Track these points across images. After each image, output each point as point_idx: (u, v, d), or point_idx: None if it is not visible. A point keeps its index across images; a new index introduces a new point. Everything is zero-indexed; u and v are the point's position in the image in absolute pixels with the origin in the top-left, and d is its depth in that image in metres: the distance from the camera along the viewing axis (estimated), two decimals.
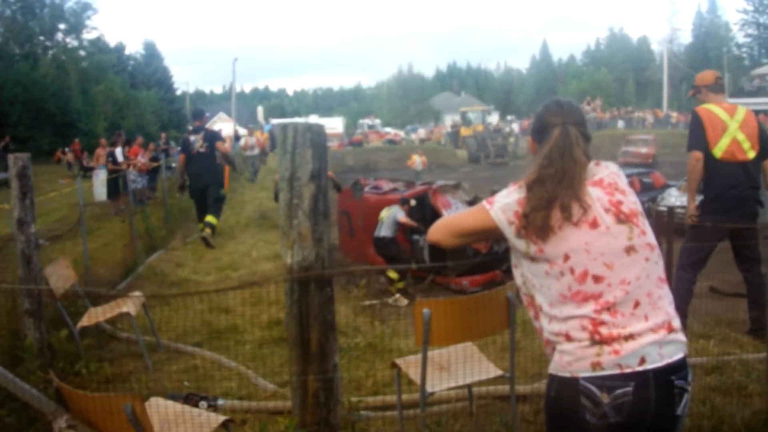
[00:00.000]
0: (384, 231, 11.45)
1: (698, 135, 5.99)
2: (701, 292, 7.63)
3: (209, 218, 12.57)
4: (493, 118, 65.98)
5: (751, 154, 5.92)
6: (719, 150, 5.88)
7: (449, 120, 68.39)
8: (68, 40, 47.40)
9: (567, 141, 2.45)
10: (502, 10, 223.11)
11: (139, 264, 10.59)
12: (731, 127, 5.89)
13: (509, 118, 76.23)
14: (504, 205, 2.45)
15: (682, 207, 7.02)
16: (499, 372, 4.24)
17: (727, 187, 5.93)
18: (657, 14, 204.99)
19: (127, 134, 21.70)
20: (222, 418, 3.69)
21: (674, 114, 61.37)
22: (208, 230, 12.45)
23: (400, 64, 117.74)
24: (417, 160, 19.75)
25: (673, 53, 79.38)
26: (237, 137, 27.03)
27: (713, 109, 6.01)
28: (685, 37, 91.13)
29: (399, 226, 11.57)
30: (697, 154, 5.97)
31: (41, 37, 45.14)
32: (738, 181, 5.92)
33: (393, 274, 11.08)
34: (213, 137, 12.81)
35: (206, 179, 12.54)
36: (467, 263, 11.15)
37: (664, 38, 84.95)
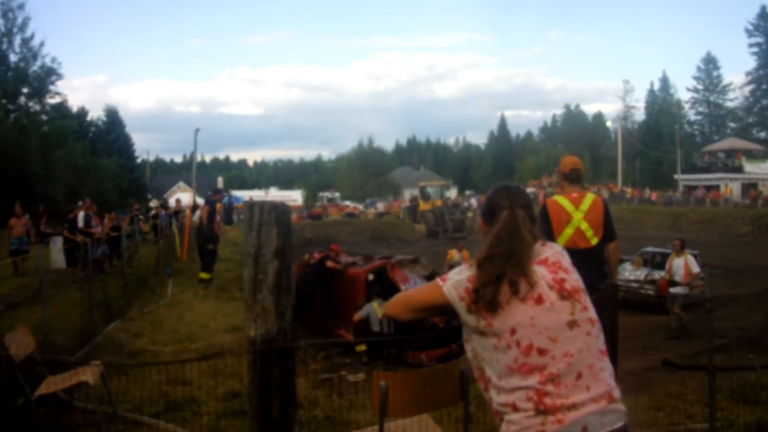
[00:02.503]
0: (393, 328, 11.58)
1: (543, 226, 6.28)
2: (655, 365, 7.82)
3: (201, 275, 17.18)
4: (452, 193, 66.73)
5: (594, 241, 6.21)
6: (562, 239, 6.16)
7: (408, 194, 68.92)
8: (31, 104, 47.23)
9: (515, 222, 2.64)
10: (460, 87, 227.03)
11: (96, 333, 10.50)
12: (575, 218, 6.20)
13: (467, 192, 77.05)
14: (456, 282, 2.61)
15: (636, 281, 7.27)
16: None
17: None
18: (611, 92, 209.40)
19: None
20: None
21: (629, 189, 62.56)
22: (202, 284, 16.83)
23: (361, 138, 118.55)
24: (456, 256, 19.16)
25: (627, 130, 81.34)
26: (195, 208, 27.04)
27: (559, 200, 6.32)
28: (639, 115, 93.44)
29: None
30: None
31: (3, 100, 44.87)
32: (579, 267, 6.17)
33: (362, 347, 11.36)
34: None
35: (199, 238, 17.82)
36: (424, 337, 11.24)
37: (619, 116, 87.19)
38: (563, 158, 6.78)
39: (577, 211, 6.23)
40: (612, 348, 4.22)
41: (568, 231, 6.19)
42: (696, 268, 14.30)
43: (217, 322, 12.06)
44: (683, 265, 14.25)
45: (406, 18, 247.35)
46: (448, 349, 11.07)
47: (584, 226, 6.20)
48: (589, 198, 6.34)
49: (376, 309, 11.58)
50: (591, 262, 6.16)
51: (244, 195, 51.61)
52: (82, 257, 16.04)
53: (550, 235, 6.20)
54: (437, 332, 11.17)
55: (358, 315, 11.72)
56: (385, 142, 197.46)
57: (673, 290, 14.11)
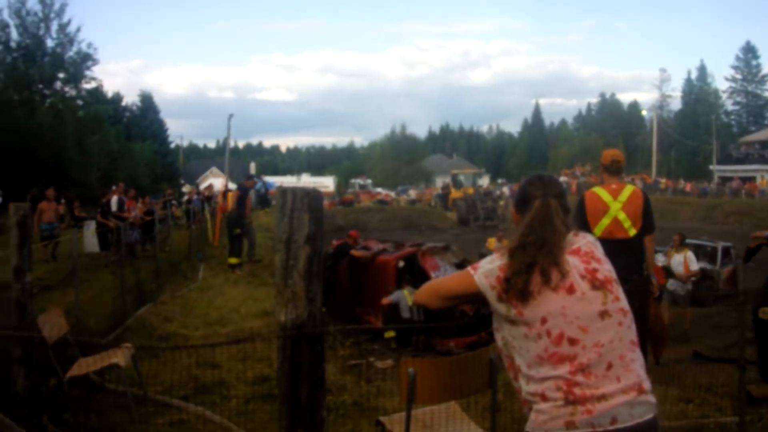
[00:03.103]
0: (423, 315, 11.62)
1: (579, 217, 6.33)
2: (685, 356, 7.76)
3: (229, 260, 17.39)
4: (484, 181, 66.52)
5: (632, 232, 6.25)
6: (599, 229, 6.21)
7: (440, 182, 68.74)
8: (67, 89, 47.55)
9: (547, 212, 2.62)
10: (495, 74, 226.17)
11: (128, 316, 10.61)
12: (613, 208, 6.26)
13: (500, 181, 76.70)
14: (487, 270, 2.60)
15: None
16: (481, 431, 4.34)
17: None
18: (647, 81, 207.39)
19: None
20: None
21: (663, 180, 61.95)
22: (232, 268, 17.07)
23: (394, 125, 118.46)
24: (496, 245, 18.79)
25: (663, 119, 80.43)
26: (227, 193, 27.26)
27: (598, 191, 6.42)
28: (675, 104, 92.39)
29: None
30: None
31: (40, 85, 45.21)
32: (617, 258, 6.14)
33: (391, 334, 11.37)
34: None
35: (228, 222, 18.05)
36: (454, 325, 11.24)
37: (655, 105, 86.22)
38: (605, 151, 6.88)
39: (615, 201, 6.27)
40: (642, 340, 4.19)
41: (605, 221, 6.24)
42: (694, 266, 13.95)
43: (248, 306, 12.13)
44: (683, 261, 13.88)
45: (441, 4, 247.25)
46: (477, 337, 11.05)
47: (622, 216, 6.23)
48: (629, 189, 6.38)
49: (406, 296, 11.60)
50: (628, 253, 6.18)
51: (276, 181, 51.69)
52: (115, 241, 16.23)
53: (585, 226, 6.22)
54: (466, 320, 11.16)
55: (388, 299, 11.76)
56: (418, 129, 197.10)
57: (671, 286, 13.67)
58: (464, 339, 11.15)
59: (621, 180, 6.59)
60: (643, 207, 6.30)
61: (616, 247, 6.17)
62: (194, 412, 6.31)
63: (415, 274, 12.36)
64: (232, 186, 22.30)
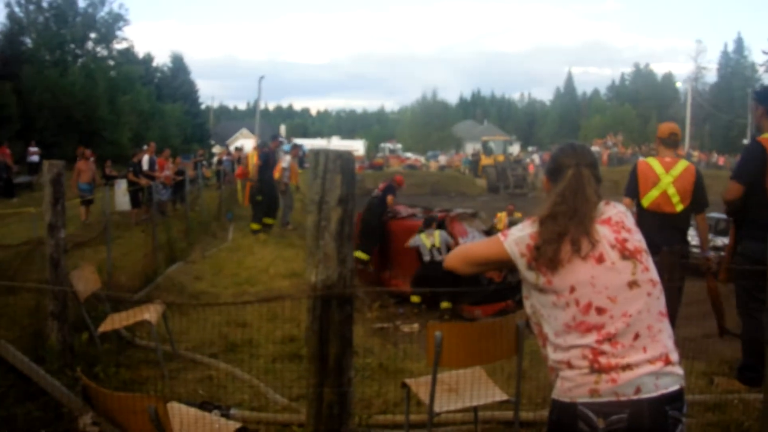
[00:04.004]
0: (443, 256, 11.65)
1: (631, 185, 6.38)
2: (711, 332, 7.72)
3: (251, 225, 16.56)
4: (515, 149, 66.04)
5: (679, 207, 6.22)
6: (647, 200, 6.22)
7: (470, 148, 68.42)
8: (98, 49, 47.83)
9: (580, 181, 2.62)
10: (528, 41, 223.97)
11: (159, 274, 10.75)
12: (663, 181, 6.22)
13: (531, 149, 76.21)
14: (517, 237, 2.62)
15: (697, 246, 7.15)
16: (505, 397, 4.37)
17: (650, 235, 6.09)
18: (683, 53, 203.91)
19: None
20: (237, 425, 3.86)
21: (695, 153, 61.12)
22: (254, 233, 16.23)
23: (425, 90, 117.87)
24: (506, 220, 18.18)
25: (697, 92, 79.12)
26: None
27: (651, 162, 6.39)
28: (711, 77, 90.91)
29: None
30: (627, 201, 6.34)
31: (72, 45, 45.45)
32: (661, 231, 6.09)
33: (416, 299, 11.48)
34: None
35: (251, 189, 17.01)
36: (480, 291, 11.27)
37: (689, 77, 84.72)
38: (661, 124, 6.87)
39: (667, 174, 6.24)
40: (671, 313, 4.18)
41: (654, 192, 6.22)
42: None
43: (276, 267, 12.21)
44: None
45: None
46: (504, 305, 11.08)
47: (671, 190, 6.20)
48: (682, 164, 6.34)
49: (423, 240, 11.78)
50: (674, 228, 6.20)
51: (306, 144, 51.79)
52: (146, 200, 16.38)
53: (635, 194, 6.30)
54: (494, 287, 11.18)
55: (408, 244, 12.17)
56: (449, 94, 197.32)
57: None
58: (491, 306, 11.19)
59: (676, 154, 6.55)
60: (694, 184, 6.24)
61: (662, 221, 6.19)
62: (223, 370, 6.40)
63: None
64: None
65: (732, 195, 5.74)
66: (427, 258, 11.80)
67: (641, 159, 6.60)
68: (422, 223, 12.32)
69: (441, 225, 12.63)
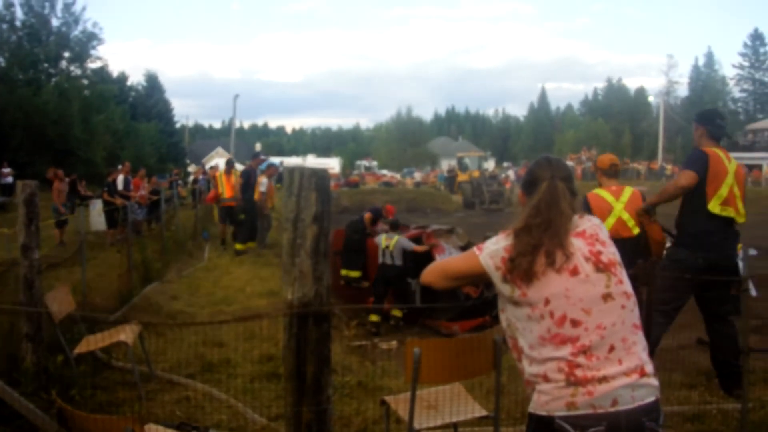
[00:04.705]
0: (396, 260, 11.64)
1: None
2: (688, 343, 7.77)
3: (235, 246, 16.21)
4: (490, 165, 66.35)
5: (636, 231, 6.46)
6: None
7: (446, 165, 68.67)
8: (72, 68, 47.67)
9: (554, 194, 2.64)
10: (502, 58, 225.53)
11: (134, 294, 10.66)
12: (616, 209, 6.47)
13: (505, 164, 76.58)
14: (492, 251, 2.63)
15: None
16: (485, 412, 4.38)
17: None
18: (655, 67, 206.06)
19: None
20: None
21: (669, 166, 61.71)
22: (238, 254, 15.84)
23: (399, 107, 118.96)
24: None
25: (669, 106, 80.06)
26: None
27: (600, 193, 6.62)
28: (682, 91, 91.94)
29: (408, 255, 11.79)
30: None
31: (45, 64, 45.35)
32: (624, 257, 6.16)
33: (397, 312, 11.46)
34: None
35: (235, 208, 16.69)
36: (458, 307, 11.29)
37: (661, 91, 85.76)
38: (601, 156, 7.14)
39: (618, 201, 6.50)
40: (646, 325, 4.22)
41: (611, 221, 6.39)
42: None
43: (253, 286, 12.15)
44: None
45: None
46: (482, 321, 11.07)
47: (625, 216, 6.45)
48: (628, 190, 6.64)
49: (382, 241, 11.86)
50: (634, 252, 6.25)
51: (280, 161, 51.74)
52: (121, 220, 16.28)
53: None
54: (471, 302, 11.18)
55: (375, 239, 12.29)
56: (424, 111, 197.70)
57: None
58: (468, 322, 11.17)
59: (618, 183, 6.80)
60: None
61: (623, 246, 6.21)
62: (200, 390, 6.36)
63: (419, 257, 12.37)
64: (239, 167, 21.70)
65: (687, 181, 5.91)
66: (380, 260, 11.88)
67: (590, 192, 6.74)
68: (389, 226, 12.38)
69: (417, 243, 12.62)
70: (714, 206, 5.83)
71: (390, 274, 11.71)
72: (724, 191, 5.84)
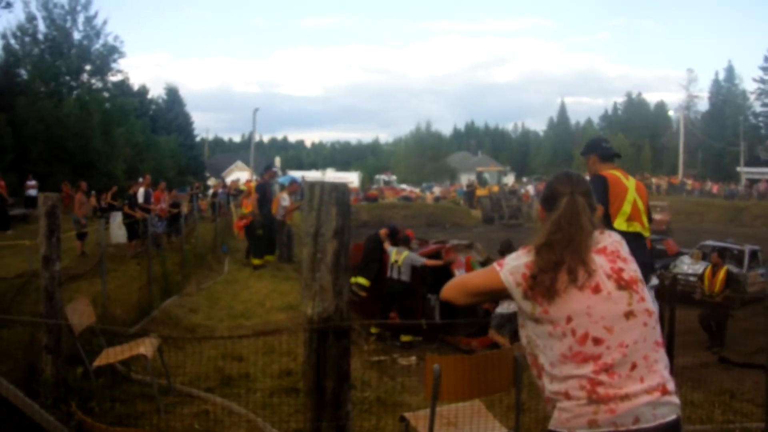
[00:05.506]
0: (403, 275, 11.62)
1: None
2: (711, 360, 7.72)
3: (252, 260, 16.28)
4: (509, 179, 66.27)
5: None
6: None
7: (465, 179, 68.61)
8: (93, 81, 48.00)
9: (575, 209, 2.62)
10: (520, 72, 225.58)
11: (154, 307, 10.69)
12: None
13: (525, 179, 76.38)
14: (513, 267, 2.62)
15: (695, 275, 7.16)
16: (505, 430, 4.35)
17: None
18: (674, 81, 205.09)
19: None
20: None
21: (689, 181, 61.41)
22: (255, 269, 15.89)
23: (419, 122, 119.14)
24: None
25: (689, 120, 79.62)
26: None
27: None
28: (702, 105, 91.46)
29: (416, 270, 11.78)
30: None
31: (67, 77, 45.68)
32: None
33: (406, 338, 11.44)
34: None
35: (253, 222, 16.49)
36: (477, 322, 11.25)
37: (681, 105, 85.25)
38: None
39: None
40: (668, 342, 4.17)
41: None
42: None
43: (272, 300, 12.17)
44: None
45: (468, 1, 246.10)
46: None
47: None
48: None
49: (392, 255, 11.99)
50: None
51: (301, 176, 51.93)
52: (142, 232, 16.35)
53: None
54: (486, 319, 11.15)
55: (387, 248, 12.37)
56: (443, 126, 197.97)
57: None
58: (487, 338, 11.15)
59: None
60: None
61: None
62: (219, 404, 6.36)
63: (438, 272, 12.35)
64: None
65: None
66: (388, 273, 11.98)
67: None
68: (401, 239, 12.39)
69: (436, 258, 12.59)
70: (620, 224, 5.62)
71: (395, 288, 11.71)
72: (626, 208, 5.66)
